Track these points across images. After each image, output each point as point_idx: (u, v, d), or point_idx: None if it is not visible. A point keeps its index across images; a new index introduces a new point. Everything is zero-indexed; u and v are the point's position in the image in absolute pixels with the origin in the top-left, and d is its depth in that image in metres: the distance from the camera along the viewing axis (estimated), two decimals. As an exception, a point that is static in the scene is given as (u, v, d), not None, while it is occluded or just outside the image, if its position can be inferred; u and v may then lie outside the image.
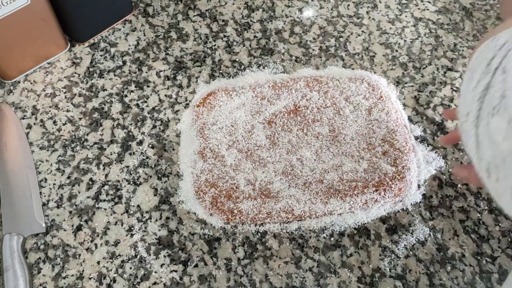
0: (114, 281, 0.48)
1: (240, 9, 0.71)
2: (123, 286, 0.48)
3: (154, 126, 0.59)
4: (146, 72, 0.64)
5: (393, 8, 0.72)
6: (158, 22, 0.69)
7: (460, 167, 0.48)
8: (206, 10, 0.71)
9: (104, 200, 0.53)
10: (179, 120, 0.60)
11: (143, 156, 0.57)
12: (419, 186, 0.54)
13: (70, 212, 0.53)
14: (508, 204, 0.30)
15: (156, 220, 0.52)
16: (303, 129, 0.56)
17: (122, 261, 0.50)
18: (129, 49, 0.66)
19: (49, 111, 0.60)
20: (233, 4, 0.72)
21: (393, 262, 0.50)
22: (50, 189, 0.54)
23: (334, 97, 0.59)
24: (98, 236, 0.51)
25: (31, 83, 0.63)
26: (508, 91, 0.29)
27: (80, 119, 0.60)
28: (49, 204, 0.53)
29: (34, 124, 0.59)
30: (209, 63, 0.65)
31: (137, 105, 0.61)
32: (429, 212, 0.53)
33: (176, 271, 0.49)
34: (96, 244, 0.51)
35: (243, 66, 0.65)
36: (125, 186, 0.54)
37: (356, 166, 0.53)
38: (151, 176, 0.55)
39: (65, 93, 0.62)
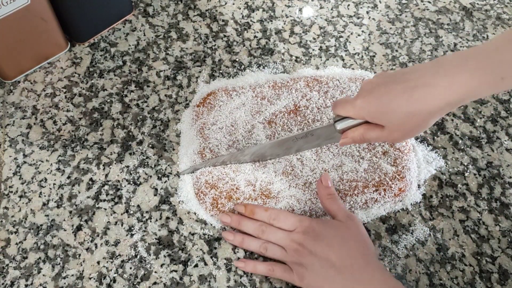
0: (114, 281, 0.48)
1: (240, 9, 0.71)
2: (123, 286, 0.48)
3: (154, 126, 0.59)
4: (146, 72, 0.64)
5: (393, 8, 0.72)
6: (158, 22, 0.69)
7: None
8: (206, 10, 0.71)
9: (104, 200, 0.53)
10: (179, 120, 0.60)
11: (143, 156, 0.57)
12: (419, 186, 0.54)
13: (70, 212, 0.53)
14: None
15: (156, 220, 0.52)
16: (303, 129, 0.56)
17: (122, 261, 0.50)
18: (129, 49, 0.66)
19: (49, 111, 0.60)
20: (233, 4, 0.72)
21: (393, 262, 0.50)
22: (50, 189, 0.54)
23: (334, 97, 0.59)
24: (98, 236, 0.51)
25: (31, 83, 0.63)
26: None
27: (80, 119, 0.60)
28: (49, 204, 0.53)
29: (34, 124, 0.59)
30: (209, 63, 0.65)
31: (137, 105, 0.61)
32: (429, 212, 0.53)
33: (176, 271, 0.49)
34: (96, 244, 0.51)
35: (243, 66, 0.65)
36: (125, 186, 0.54)
37: (356, 166, 0.53)
38: (151, 176, 0.55)
39: (65, 93, 0.62)
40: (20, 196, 0.53)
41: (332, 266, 0.44)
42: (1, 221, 0.52)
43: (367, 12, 0.71)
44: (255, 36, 0.68)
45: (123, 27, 0.69)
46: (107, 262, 0.49)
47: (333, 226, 0.47)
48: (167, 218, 0.52)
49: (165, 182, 0.55)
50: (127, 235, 0.51)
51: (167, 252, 0.50)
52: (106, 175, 0.55)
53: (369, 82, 0.43)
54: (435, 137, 0.59)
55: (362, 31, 0.69)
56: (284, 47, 0.67)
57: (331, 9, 0.72)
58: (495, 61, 0.37)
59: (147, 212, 0.53)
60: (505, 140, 0.59)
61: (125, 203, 0.53)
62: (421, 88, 0.39)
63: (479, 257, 0.50)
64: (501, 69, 0.37)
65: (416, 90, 0.39)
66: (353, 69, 0.64)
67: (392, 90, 0.40)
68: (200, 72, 0.64)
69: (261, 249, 0.48)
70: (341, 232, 0.46)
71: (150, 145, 0.57)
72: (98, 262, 0.49)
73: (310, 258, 0.45)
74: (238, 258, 0.50)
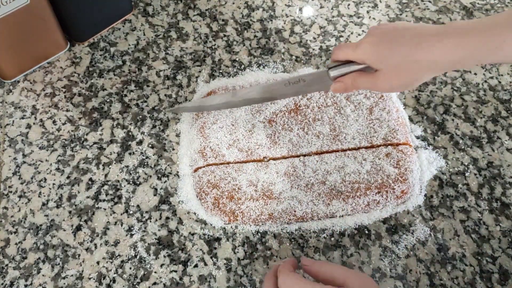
0: (114, 281, 0.48)
1: (240, 8, 0.71)
2: (123, 286, 0.48)
3: (154, 126, 0.59)
4: (146, 72, 0.64)
5: (394, 8, 0.72)
6: (158, 22, 0.69)
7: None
8: (206, 10, 0.71)
9: (104, 200, 0.53)
10: (179, 119, 0.59)
11: (143, 156, 0.56)
12: (421, 188, 0.54)
13: (70, 212, 0.52)
14: None
15: (156, 220, 0.52)
16: (303, 128, 0.56)
17: (122, 261, 0.49)
18: (128, 48, 0.66)
19: (49, 110, 0.60)
20: (233, 3, 0.72)
21: (393, 262, 0.50)
22: (50, 189, 0.54)
23: (335, 96, 0.59)
24: (97, 236, 0.51)
25: (31, 83, 0.62)
26: None
27: (79, 118, 0.59)
28: (48, 204, 0.53)
29: (34, 124, 0.59)
30: (209, 62, 0.65)
31: (137, 104, 0.61)
32: (429, 212, 0.53)
33: (176, 271, 0.49)
34: (95, 244, 0.50)
35: (243, 66, 0.64)
36: (124, 186, 0.54)
37: (359, 167, 0.53)
38: (151, 176, 0.55)
39: (64, 92, 0.62)
40: (20, 196, 0.53)
41: None
42: (1, 221, 0.52)
43: (368, 12, 0.71)
44: (255, 36, 0.68)
45: (123, 26, 0.68)
46: (107, 262, 0.49)
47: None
48: (167, 218, 0.52)
49: (164, 182, 0.55)
50: (126, 235, 0.51)
51: (166, 252, 0.50)
52: (106, 175, 0.55)
53: (377, 27, 0.44)
54: (436, 137, 0.58)
55: (363, 31, 0.69)
56: (284, 47, 0.67)
57: (331, 9, 0.72)
58: (498, 30, 0.39)
59: (146, 212, 0.53)
60: (506, 140, 0.59)
61: (124, 203, 0.53)
62: (431, 40, 0.40)
63: (479, 257, 0.50)
64: (501, 37, 0.38)
65: (426, 40, 0.40)
66: (353, 68, 0.64)
67: (402, 36, 0.42)
68: (200, 71, 0.64)
69: None
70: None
71: (150, 145, 0.57)
72: (98, 262, 0.49)
73: None
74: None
